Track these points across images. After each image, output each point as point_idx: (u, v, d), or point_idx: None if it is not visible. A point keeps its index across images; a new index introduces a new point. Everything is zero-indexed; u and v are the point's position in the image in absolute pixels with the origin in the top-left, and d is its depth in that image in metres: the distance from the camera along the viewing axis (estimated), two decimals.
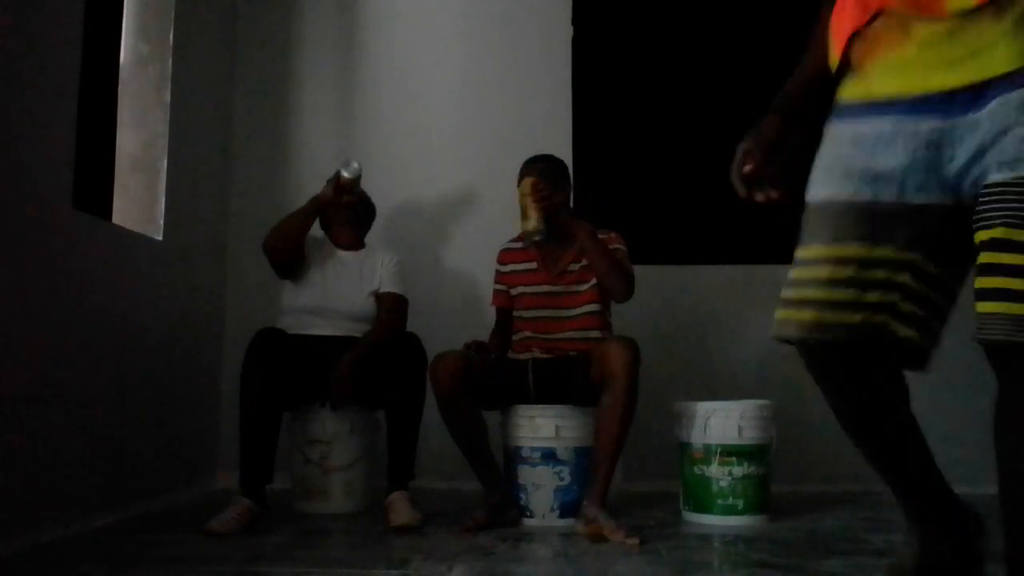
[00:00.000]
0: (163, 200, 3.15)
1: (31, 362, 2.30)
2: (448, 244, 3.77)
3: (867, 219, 1.29)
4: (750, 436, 2.77)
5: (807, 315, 1.33)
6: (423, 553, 2.25)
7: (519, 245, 2.98)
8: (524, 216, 2.74)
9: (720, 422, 2.76)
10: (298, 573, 2.04)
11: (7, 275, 2.20)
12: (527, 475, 2.73)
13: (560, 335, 2.82)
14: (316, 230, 3.17)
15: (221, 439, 3.53)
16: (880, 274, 1.29)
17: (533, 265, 2.91)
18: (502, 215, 3.23)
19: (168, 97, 3.18)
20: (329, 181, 2.99)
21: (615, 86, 4.04)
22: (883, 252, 1.29)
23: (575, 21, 3.84)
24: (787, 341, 1.37)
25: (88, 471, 2.58)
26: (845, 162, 1.32)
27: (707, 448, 2.77)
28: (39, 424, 2.33)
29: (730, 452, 2.75)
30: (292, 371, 2.78)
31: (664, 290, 3.70)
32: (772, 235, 3.60)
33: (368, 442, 3.04)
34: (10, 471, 2.20)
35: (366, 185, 3.18)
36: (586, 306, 2.83)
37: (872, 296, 1.30)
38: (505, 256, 3.00)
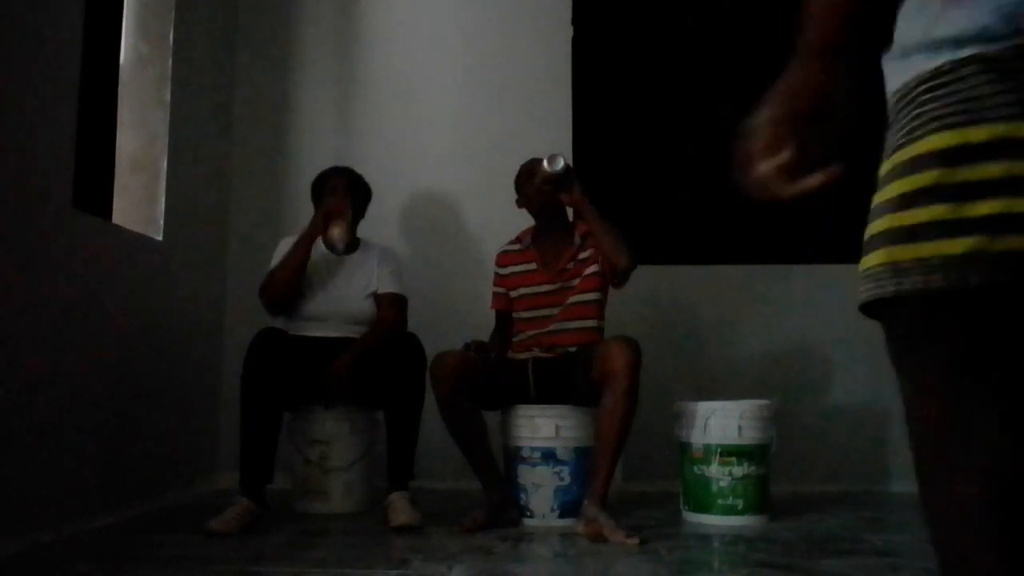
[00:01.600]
0: (163, 200, 3.15)
1: (31, 362, 2.30)
2: (448, 244, 3.77)
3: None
4: (750, 436, 2.77)
5: (960, 245, 0.75)
6: (423, 553, 2.25)
7: (517, 247, 2.98)
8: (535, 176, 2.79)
9: (720, 422, 2.76)
10: (298, 573, 2.04)
11: (7, 275, 2.20)
12: (527, 475, 2.73)
13: (557, 326, 2.83)
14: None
15: (221, 439, 3.53)
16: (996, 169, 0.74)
17: (532, 266, 2.91)
18: (502, 215, 3.23)
19: (168, 97, 3.18)
20: (314, 222, 2.93)
21: (615, 86, 4.04)
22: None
23: (575, 21, 3.84)
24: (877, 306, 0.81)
25: (88, 471, 2.58)
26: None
27: (707, 448, 2.77)
28: (39, 424, 2.33)
29: (730, 452, 2.75)
30: (293, 371, 2.78)
31: (664, 290, 3.70)
32: (773, 235, 3.62)
33: (368, 442, 3.04)
34: (10, 471, 2.20)
35: (365, 178, 3.17)
36: (582, 294, 2.84)
37: (983, 208, 0.74)
38: (504, 259, 3.00)
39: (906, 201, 0.78)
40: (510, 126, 3.75)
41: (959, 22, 0.76)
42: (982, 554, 0.75)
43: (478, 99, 3.84)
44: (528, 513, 2.73)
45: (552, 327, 2.84)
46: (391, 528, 2.59)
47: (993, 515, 0.74)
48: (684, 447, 2.85)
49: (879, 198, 0.83)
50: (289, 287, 2.93)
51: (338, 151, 3.64)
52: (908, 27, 0.82)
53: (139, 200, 3.14)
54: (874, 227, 0.82)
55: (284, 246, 3.01)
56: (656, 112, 4.00)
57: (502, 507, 2.68)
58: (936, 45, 0.78)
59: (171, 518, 2.83)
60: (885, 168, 0.83)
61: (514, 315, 2.94)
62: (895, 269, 0.78)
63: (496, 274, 3.02)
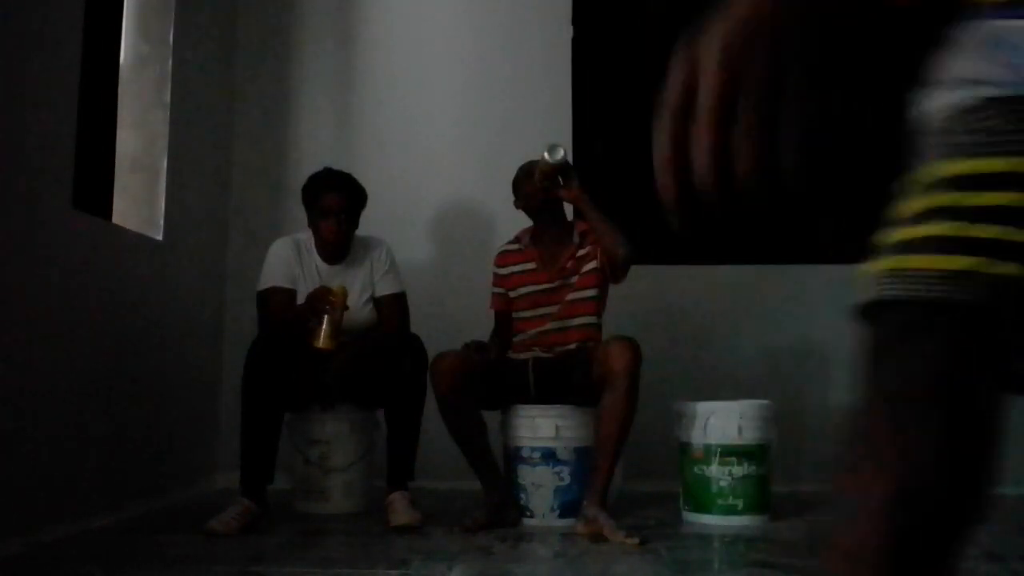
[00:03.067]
0: (163, 200, 3.15)
1: (31, 362, 2.30)
2: (449, 244, 3.77)
3: None
4: (750, 436, 2.77)
5: (961, 263, 0.79)
6: (423, 553, 2.25)
7: (516, 247, 2.98)
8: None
9: (720, 422, 2.76)
10: (298, 573, 2.04)
11: (7, 275, 2.20)
12: (527, 475, 2.73)
13: (557, 324, 2.83)
14: (305, 230, 3.06)
15: (221, 439, 3.53)
16: None
17: (532, 265, 2.91)
18: (502, 215, 3.23)
19: (168, 97, 3.18)
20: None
21: (615, 86, 4.04)
22: None
23: (575, 21, 3.84)
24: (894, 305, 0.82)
25: (88, 471, 2.58)
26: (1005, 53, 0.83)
27: (707, 448, 2.77)
28: (39, 424, 2.33)
29: (730, 452, 2.75)
30: (294, 373, 2.77)
31: (664, 290, 3.70)
32: (773, 235, 3.62)
33: (368, 442, 3.04)
34: (10, 471, 2.20)
35: (364, 178, 3.16)
36: (581, 291, 2.84)
37: (987, 231, 0.79)
38: (503, 259, 3.00)
39: (919, 218, 0.82)
40: (510, 126, 3.75)
41: (981, 70, 0.83)
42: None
43: (478, 100, 3.84)
44: (528, 513, 2.72)
45: (551, 325, 2.84)
46: (391, 528, 2.59)
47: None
48: (684, 447, 2.85)
49: (899, 212, 0.86)
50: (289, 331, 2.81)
51: (338, 151, 3.64)
52: (934, 63, 0.87)
53: (139, 200, 3.14)
54: (890, 236, 0.85)
55: (276, 250, 2.96)
56: (656, 111, 3.99)
57: (502, 507, 2.68)
58: (958, 84, 0.84)
59: (171, 518, 2.83)
60: (907, 187, 0.86)
61: (514, 315, 2.94)
62: (900, 276, 0.82)
63: (495, 274, 3.01)
